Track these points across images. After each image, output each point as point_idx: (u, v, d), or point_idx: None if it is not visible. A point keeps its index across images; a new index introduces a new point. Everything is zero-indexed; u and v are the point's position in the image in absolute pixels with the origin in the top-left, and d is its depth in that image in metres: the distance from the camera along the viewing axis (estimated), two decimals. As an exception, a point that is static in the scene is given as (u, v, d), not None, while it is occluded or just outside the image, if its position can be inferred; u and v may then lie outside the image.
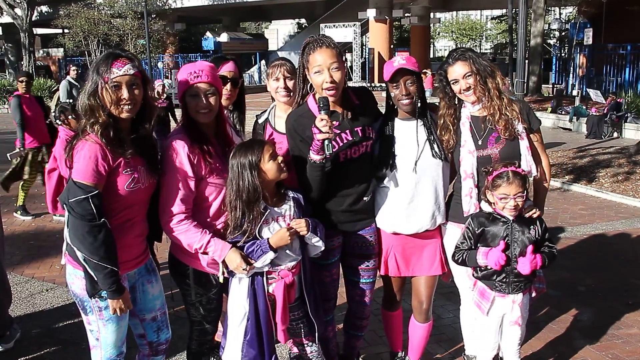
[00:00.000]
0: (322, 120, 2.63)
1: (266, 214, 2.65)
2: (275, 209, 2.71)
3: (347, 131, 2.87)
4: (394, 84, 2.92)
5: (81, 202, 2.30)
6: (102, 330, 2.58)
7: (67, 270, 2.58)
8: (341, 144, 2.84)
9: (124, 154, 2.42)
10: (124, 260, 2.52)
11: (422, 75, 3.49)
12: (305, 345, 2.90)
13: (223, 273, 2.67)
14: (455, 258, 2.98)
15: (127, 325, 2.67)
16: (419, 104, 2.95)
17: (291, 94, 3.15)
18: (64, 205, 2.40)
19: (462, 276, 3.16)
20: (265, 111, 3.39)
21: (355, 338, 3.36)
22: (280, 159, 2.67)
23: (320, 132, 2.63)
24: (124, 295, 2.47)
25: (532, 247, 2.81)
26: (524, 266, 2.80)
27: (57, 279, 5.15)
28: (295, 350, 2.95)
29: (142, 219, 2.63)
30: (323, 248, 2.80)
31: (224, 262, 2.62)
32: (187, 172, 2.59)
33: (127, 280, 2.59)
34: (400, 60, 2.89)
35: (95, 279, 2.40)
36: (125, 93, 2.38)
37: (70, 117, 5.84)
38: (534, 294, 3.06)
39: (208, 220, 2.70)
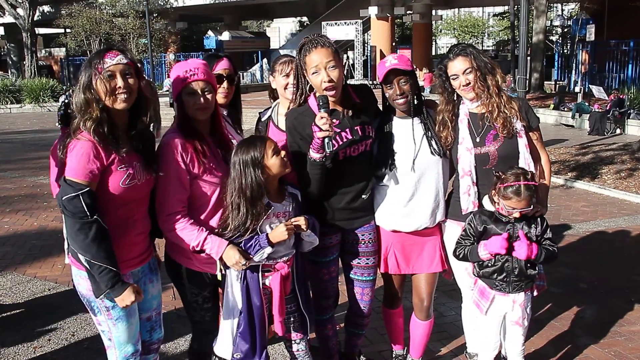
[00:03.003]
0: (322, 118, 2.62)
1: (269, 211, 2.65)
2: (277, 204, 2.71)
3: (347, 130, 2.86)
4: (388, 85, 2.91)
5: (72, 199, 2.30)
6: (112, 329, 2.57)
7: (72, 272, 2.57)
8: (341, 143, 2.83)
9: (117, 151, 2.41)
10: (127, 258, 2.51)
11: (419, 73, 3.48)
12: (293, 342, 2.90)
13: (220, 270, 2.67)
14: (457, 253, 2.96)
15: (138, 322, 2.65)
16: (415, 102, 2.94)
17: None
18: (60, 205, 2.39)
19: (463, 274, 3.15)
20: (269, 109, 3.39)
21: (356, 336, 3.36)
22: (283, 153, 2.67)
23: (321, 130, 2.63)
24: (125, 292, 2.42)
25: (523, 232, 2.80)
26: (520, 249, 2.76)
27: (59, 279, 5.16)
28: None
29: (143, 216, 2.62)
30: (317, 244, 2.81)
31: (221, 259, 2.62)
32: (180, 170, 2.59)
33: (131, 278, 2.58)
34: (393, 60, 2.88)
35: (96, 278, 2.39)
36: (119, 81, 2.37)
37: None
38: (535, 293, 3.05)
39: (203, 218, 2.69)
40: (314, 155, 2.72)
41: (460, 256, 2.95)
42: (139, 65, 2.52)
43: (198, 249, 2.61)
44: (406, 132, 2.97)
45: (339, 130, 2.81)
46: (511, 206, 2.77)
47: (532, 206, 2.78)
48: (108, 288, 2.38)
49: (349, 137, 2.86)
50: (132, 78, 2.43)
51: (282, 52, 34.26)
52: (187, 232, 2.60)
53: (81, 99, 2.38)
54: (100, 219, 2.34)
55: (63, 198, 2.31)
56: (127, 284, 2.44)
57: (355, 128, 2.88)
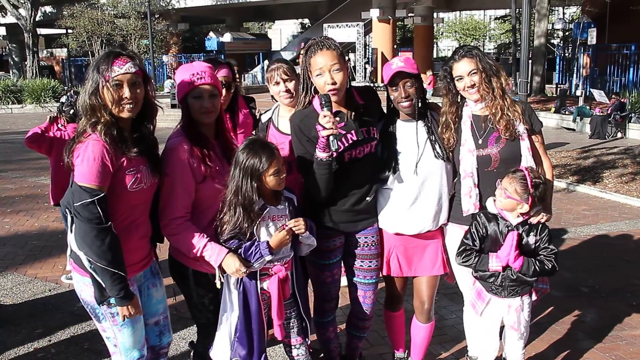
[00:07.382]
0: (324, 116, 2.62)
1: (264, 212, 2.65)
2: (273, 207, 2.71)
3: (353, 131, 2.86)
4: (393, 87, 2.91)
5: (87, 205, 2.26)
6: (118, 336, 2.55)
7: (75, 278, 2.55)
8: (346, 144, 2.83)
9: (127, 153, 2.39)
10: (131, 263, 2.49)
11: (423, 75, 3.49)
12: (293, 347, 2.89)
13: (219, 278, 2.66)
14: (462, 260, 2.94)
15: (143, 327, 2.62)
16: (419, 105, 2.94)
17: (294, 94, 3.16)
18: (67, 210, 2.37)
19: (465, 277, 3.15)
20: (269, 110, 3.40)
21: (357, 339, 3.35)
22: (283, 175, 2.66)
23: (324, 128, 2.62)
24: (133, 301, 2.42)
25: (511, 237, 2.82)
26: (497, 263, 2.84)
27: (60, 280, 5.15)
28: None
29: (145, 219, 2.61)
30: (315, 246, 2.81)
31: (220, 266, 2.60)
32: (187, 174, 2.58)
33: (135, 284, 2.56)
34: (399, 62, 2.88)
35: (103, 285, 2.36)
36: (126, 92, 2.34)
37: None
38: (534, 297, 3.04)
39: (207, 223, 2.68)
40: (320, 154, 2.71)
41: (467, 263, 2.92)
42: (146, 71, 2.50)
43: (198, 255, 2.60)
44: (410, 135, 2.97)
45: (344, 132, 2.79)
46: (506, 182, 2.78)
47: (529, 199, 2.77)
48: (119, 296, 2.36)
49: (354, 138, 2.85)
50: (140, 87, 2.40)
51: (283, 53, 34.36)
52: (188, 238, 2.59)
53: (87, 104, 2.35)
54: (112, 225, 2.33)
55: (76, 204, 2.28)
56: (133, 294, 2.43)
57: (361, 130, 2.88)
